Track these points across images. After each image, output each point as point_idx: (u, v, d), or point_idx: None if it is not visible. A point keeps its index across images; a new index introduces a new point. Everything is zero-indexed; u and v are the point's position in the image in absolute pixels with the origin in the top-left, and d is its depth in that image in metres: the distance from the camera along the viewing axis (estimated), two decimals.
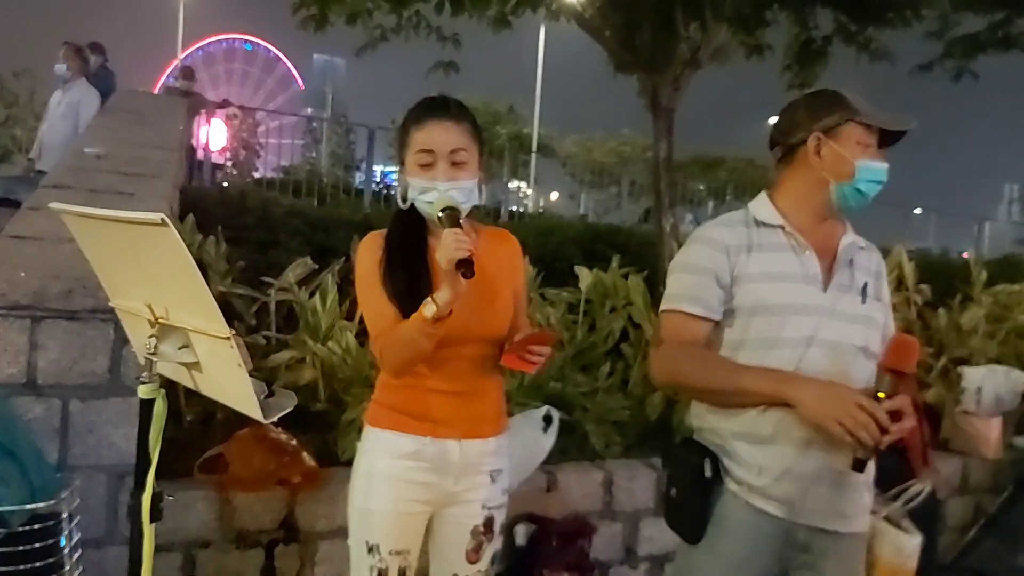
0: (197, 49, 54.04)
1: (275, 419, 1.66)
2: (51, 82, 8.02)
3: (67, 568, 2.07)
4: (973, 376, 4.62)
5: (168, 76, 30.57)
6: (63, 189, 3.49)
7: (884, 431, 1.68)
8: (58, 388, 2.48)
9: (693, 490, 1.97)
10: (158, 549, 1.74)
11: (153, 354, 1.65)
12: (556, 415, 3.28)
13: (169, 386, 1.74)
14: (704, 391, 1.98)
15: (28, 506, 1.96)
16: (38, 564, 1.98)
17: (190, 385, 1.78)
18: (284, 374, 3.36)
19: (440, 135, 1.88)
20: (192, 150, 9.55)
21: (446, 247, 1.73)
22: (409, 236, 1.97)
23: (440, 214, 1.82)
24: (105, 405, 2.53)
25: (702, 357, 1.94)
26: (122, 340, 2.50)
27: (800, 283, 1.92)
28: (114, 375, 2.53)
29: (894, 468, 3.71)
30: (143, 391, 1.68)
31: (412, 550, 2.02)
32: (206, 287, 1.49)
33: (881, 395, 1.73)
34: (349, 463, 3.10)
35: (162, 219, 1.40)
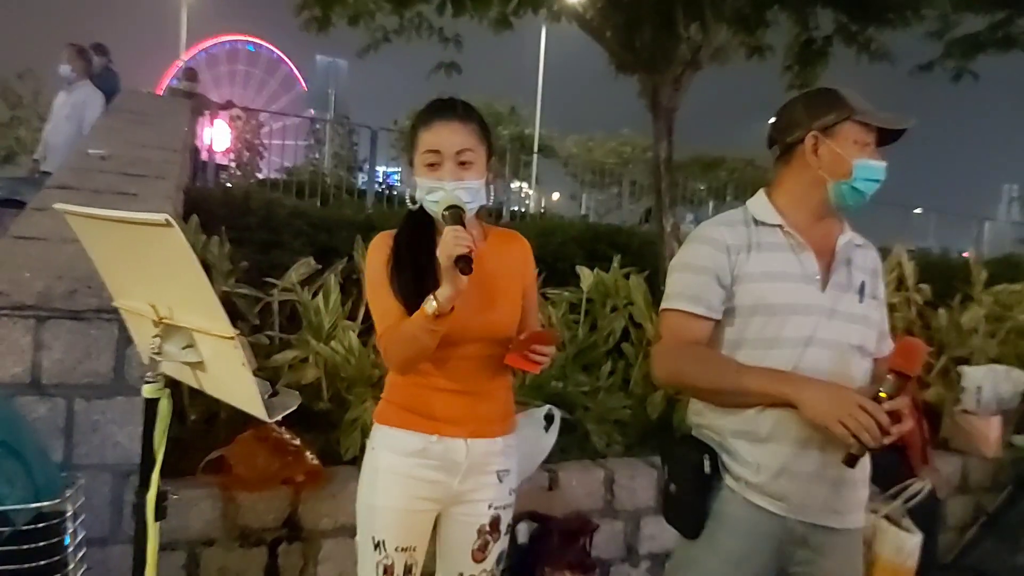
0: (200, 51, 54.05)
1: (279, 418, 1.68)
2: (55, 83, 8.04)
3: (71, 567, 2.08)
4: (973, 375, 4.63)
5: (171, 78, 30.55)
6: (67, 190, 3.50)
7: (885, 432, 1.70)
8: (62, 388, 2.50)
9: (692, 486, 1.99)
10: (162, 547, 1.76)
11: (157, 354, 1.66)
12: (558, 414, 3.29)
13: (173, 385, 1.76)
14: (707, 391, 1.98)
15: (32, 505, 1.97)
16: (42, 563, 1.98)
17: (194, 385, 1.79)
18: (287, 373, 3.38)
19: (447, 136, 1.90)
20: (196, 151, 9.57)
21: (445, 243, 1.75)
22: (417, 236, 1.98)
23: (444, 212, 1.84)
24: (109, 404, 2.54)
25: (705, 357, 1.95)
26: (126, 340, 2.52)
27: (799, 283, 1.93)
28: (118, 375, 2.55)
29: (894, 467, 3.72)
30: (148, 391, 1.69)
31: (418, 547, 2.03)
32: (210, 287, 1.50)
33: (883, 395, 1.74)
34: (352, 462, 3.16)
35: (167, 220, 1.42)
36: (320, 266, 3.87)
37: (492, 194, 2.05)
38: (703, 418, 2.04)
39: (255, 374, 1.58)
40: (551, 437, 3.24)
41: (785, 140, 2.01)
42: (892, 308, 4.93)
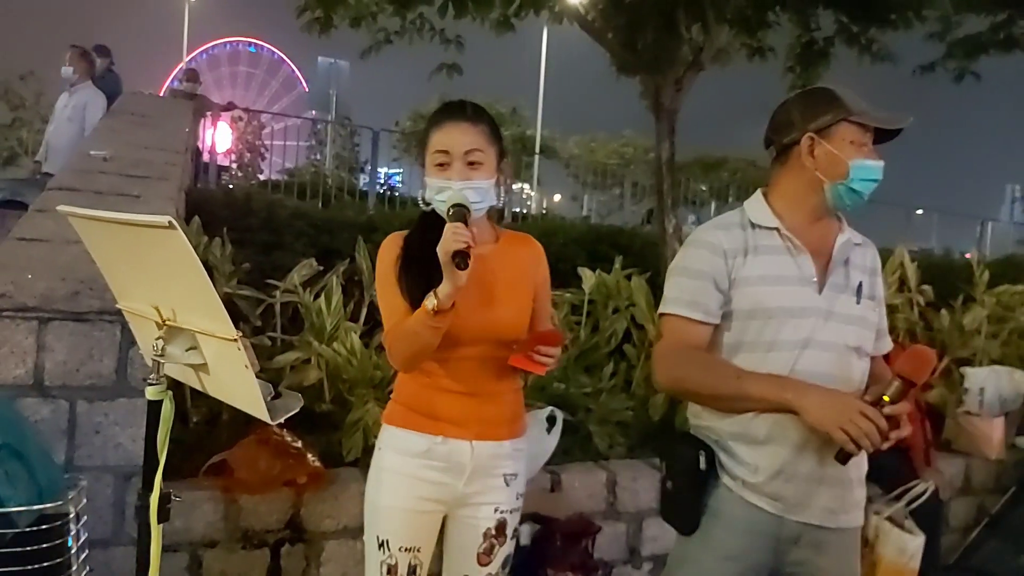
0: (201, 52, 54.15)
1: (281, 420, 1.68)
2: (57, 85, 8.06)
3: (74, 568, 2.08)
4: (976, 377, 4.63)
5: (173, 79, 30.60)
6: (69, 191, 3.50)
7: (884, 437, 1.71)
8: (65, 389, 2.50)
9: (688, 483, 2.00)
10: (164, 549, 1.75)
11: (161, 356, 1.66)
12: (560, 416, 3.29)
13: (175, 387, 1.76)
14: (708, 397, 1.99)
15: (35, 506, 1.97)
16: (45, 564, 1.98)
17: (197, 387, 1.79)
18: (289, 375, 3.38)
19: (457, 136, 1.93)
20: (198, 152, 9.58)
21: (444, 240, 1.77)
22: (427, 236, 1.99)
23: (448, 210, 1.85)
24: (112, 406, 2.54)
25: (705, 362, 1.96)
26: (129, 341, 2.52)
27: (796, 285, 1.93)
28: (121, 376, 2.55)
29: (897, 468, 3.71)
30: (151, 392, 1.69)
31: (423, 548, 2.04)
32: (213, 289, 1.51)
33: (886, 399, 1.74)
34: (354, 463, 3.16)
35: (169, 222, 1.42)
36: (322, 267, 3.88)
37: (503, 195, 2.07)
38: (701, 419, 2.04)
39: (257, 376, 1.58)
40: (553, 439, 3.24)
41: (781, 141, 2.01)
42: (894, 309, 4.92)
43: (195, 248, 1.51)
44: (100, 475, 2.53)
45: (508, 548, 2.10)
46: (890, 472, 3.69)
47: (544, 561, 3.17)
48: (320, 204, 9.63)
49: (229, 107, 13.04)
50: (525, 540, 3.21)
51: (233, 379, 1.62)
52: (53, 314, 2.46)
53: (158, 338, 1.66)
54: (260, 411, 1.61)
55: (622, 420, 3.88)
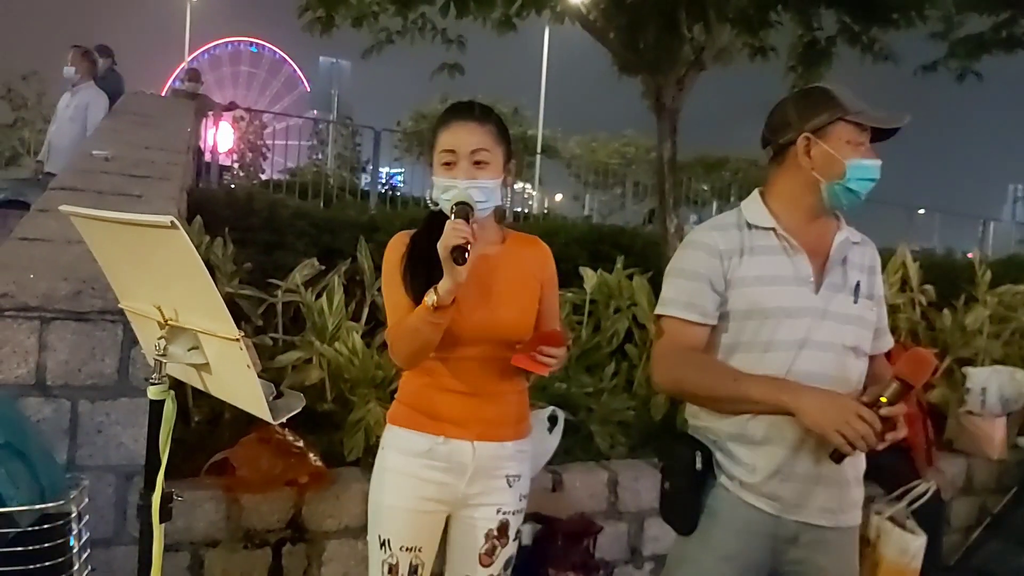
0: (203, 52, 54.21)
1: (283, 420, 1.68)
2: (59, 85, 8.06)
3: (76, 567, 2.08)
4: (978, 376, 4.62)
5: (175, 79, 30.64)
6: (71, 191, 3.50)
7: (880, 439, 1.72)
8: (67, 389, 2.50)
9: (685, 483, 2.01)
10: (166, 549, 1.76)
11: (163, 356, 1.67)
12: (561, 415, 3.29)
13: (177, 386, 1.76)
14: (705, 398, 1.99)
15: (37, 506, 1.97)
16: (47, 563, 1.98)
17: (199, 386, 1.79)
18: (291, 375, 3.38)
19: (463, 135, 1.94)
20: (199, 152, 9.58)
21: (444, 235, 1.78)
22: (434, 235, 2.00)
23: (452, 208, 1.86)
24: (114, 406, 2.54)
25: (703, 364, 1.96)
26: (131, 341, 2.52)
27: (792, 285, 1.93)
28: (122, 376, 2.55)
29: (899, 468, 3.71)
30: (153, 392, 1.69)
31: (425, 548, 2.04)
32: (215, 289, 1.51)
33: (883, 400, 1.75)
34: (356, 463, 3.16)
35: (172, 222, 1.42)
36: (324, 267, 3.88)
37: (509, 195, 2.08)
38: (699, 420, 2.05)
39: (259, 376, 1.58)
40: (555, 439, 3.24)
41: (778, 141, 2.01)
42: (896, 309, 4.92)
43: (197, 248, 1.51)
44: (102, 474, 2.53)
45: (511, 549, 2.10)
46: (892, 472, 3.69)
47: (545, 561, 3.17)
48: (322, 204, 9.64)
49: (231, 107, 13.04)
50: (526, 540, 3.21)
51: (235, 379, 1.62)
52: (55, 314, 2.47)
53: (160, 338, 1.66)
54: (262, 411, 1.62)
55: (623, 420, 3.88)
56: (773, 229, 1.97)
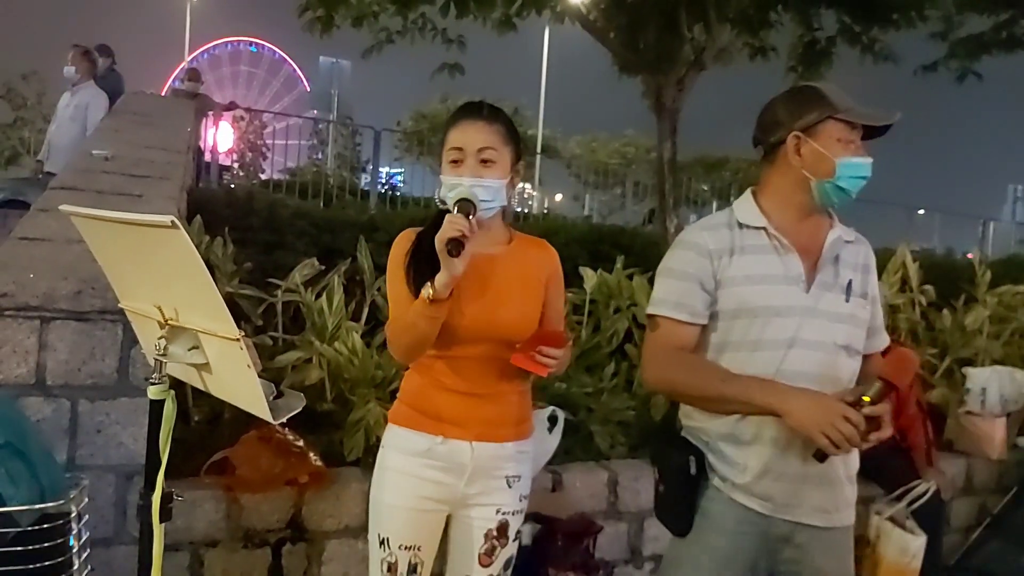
0: (203, 52, 54.24)
1: (283, 419, 1.68)
2: (59, 84, 8.05)
3: (76, 567, 2.08)
4: (977, 377, 4.62)
5: (175, 79, 30.65)
6: (71, 191, 3.50)
7: (865, 439, 1.73)
8: (67, 388, 2.50)
9: (679, 486, 2.02)
10: (166, 548, 1.76)
11: (163, 355, 1.67)
12: (561, 415, 3.29)
13: (177, 386, 1.76)
14: (694, 398, 2.01)
15: (37, 506, 1.97)
16: (47, 563, 1.98)
17: (200, 386, 1.79)
18: (291, 374, 3.38)
19: (471, 134, 1.96)
20: (199, 152, 9.58)
21: (441, 229, 1.79)
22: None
23: (455, 205, 1.87)
24: (114, 405, 2.54)
25: (692, 364, 1.97)
26: (131, 341, 2.52)
27: (782, 284, 1.93)
28: (122, 376, 2.55)
29: (899, 469, 3.72)
30: (153, 392, 1.69)
31: (424, 547, 2.04)
32: (215, 289, 1.51)
33: (866, 399, 1.76)
34: (356, 463, 3.16)
35: (172, 222, 1.42)
36: (323, 267, 3.88)
37: (514, 196, 2.09)
38: (692, 420, 2.06)
39: (260, 375, 1.58)
40: (555, 438, 3.24)
41: (768, 140, 2.02)
42: (896, 309, 4.92)
43: (197, 247, 1.51)
44: (102, 474, 2.53)
45: (511, 549, 2.10)
46: (892, 472, 3.69)
47: (545, 561, 3.17)
48: (322, 204, 9.64)
49: (231, 107, 13.03)
50: (526, 540, 3.21)
51: (235, 378, 1.63)
52: (55, 313, 2.47)
53: (160, 337, 1.66)
54: (262, 410, 1.62)
55: (623, 420, 3.88)
56: (764, 228, 1.97)
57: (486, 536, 2.06)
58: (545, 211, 18.02)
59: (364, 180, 18.93)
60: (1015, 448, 4.69)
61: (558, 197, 26.93)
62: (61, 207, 1.77)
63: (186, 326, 1.65)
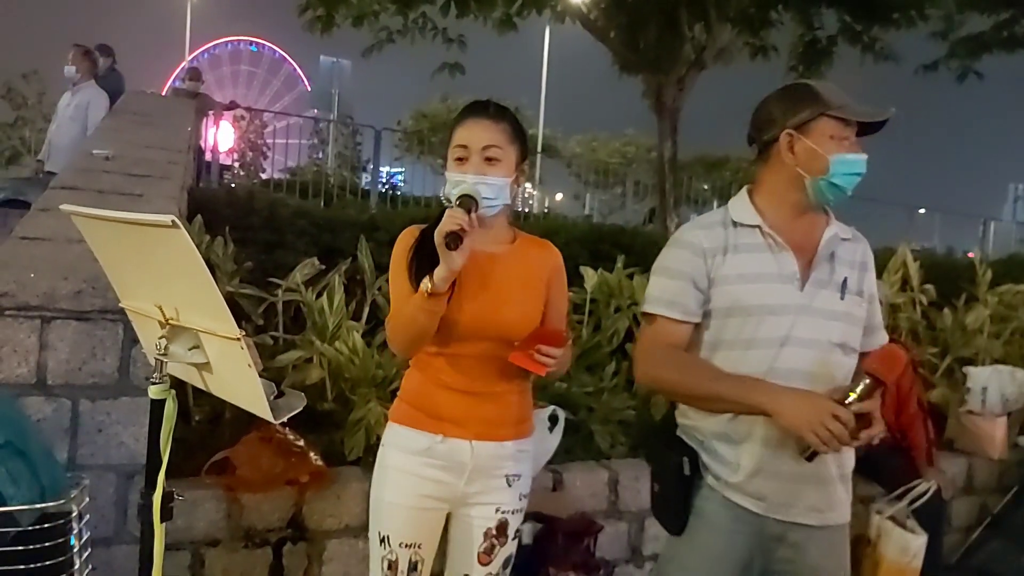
0: (203, 51, 54.25)
1: (284, 419, 1.68)
2: (60, 84, 8.05)
3: (77, 567, 2.08)
4: (978, 376, 4.62)
5: (175, 78, 30.66)
6: (72, 190, 3.50)
7: (855, 437, 1.74)
8: (68, 388, 2.50)
9: (673, 485, 2.03)
10: (167, 548, 1.76)
11: (164, 355, 1.67)
12: (562, 415, 3.29)
13: (178, 385, 1.76)
14: (685, 396, 2.02)
15: (38, 505, 1.97)
16: (48, 563, 1.98)
17: (200, 386, 1.79)
18: (291, 374, 3.38)
19: (477, 132, 1.97)
20: (200, 151, 9.57)
21: (441, 223, 1.81)
22: None
23: (457, 201, 1.88)
24: (114, 405, 2.54)
25: (683, 363, 1.98)
26: (131, 340, 2.52)
27: (775, 283, 1.93)
28: (123, 375, 2.55)
29: (899, 468, 3.72)
30: (154, 391, 1.69)
31: (424, 545, 2.04)
32: (216, 288, 1.51)
33: (852, 394, 1.77)
34: (356, 462, 3.16)
35: (173, 221, 1.42)
36: (324, 266, 3.88)
37: (518, 195, 2.09)
38: (687, 418, 2.06)
39: (260, 375, 1.58)
40: (555, 438, 3.24)
41: (762, 138, 2.02)
42: (897, 308, 4.92)
43: (197, 247, 1.51)
44: (103, 474, 2.53)
45: (510, 548, 2.11)
46: (892, 472, 3.69)
47: (546, 560, 3.17)
48: (322, 203, 9.64)
49: (231, 106, 13.04)
50: (527, 539, 3.21)
51: (236, 378, 1.63)
52: (56, 313, 2.47)
53: (161, 337, 1.66)
54: (263, 410, 1.62)
55: (624, 419, 3.88)
56: (758, 227, 1.97)
57: (485, 535, 2.06)
58: (546, 210, 18.03)
59: (365, 179, 18.92)
60: (1016, 447, 4.69)
61: (558, 196, 26.95)
62: (62, 207, 1.77)
63: (187, 325, 1.65)
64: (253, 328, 3.64)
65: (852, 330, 1.99)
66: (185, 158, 5.35)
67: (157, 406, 1.71)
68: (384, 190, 13.50)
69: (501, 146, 1.97)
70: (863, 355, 2.03)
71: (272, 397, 1.64)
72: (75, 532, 2.07)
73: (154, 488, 1.70)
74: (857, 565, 3.49)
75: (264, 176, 18.60)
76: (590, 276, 4.37)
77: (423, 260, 1.94)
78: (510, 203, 2.05)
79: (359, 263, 4.02)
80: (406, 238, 2.05)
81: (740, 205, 2.03)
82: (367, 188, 13.19)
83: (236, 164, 18.78)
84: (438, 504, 2.04)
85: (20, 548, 1.93)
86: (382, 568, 2.04)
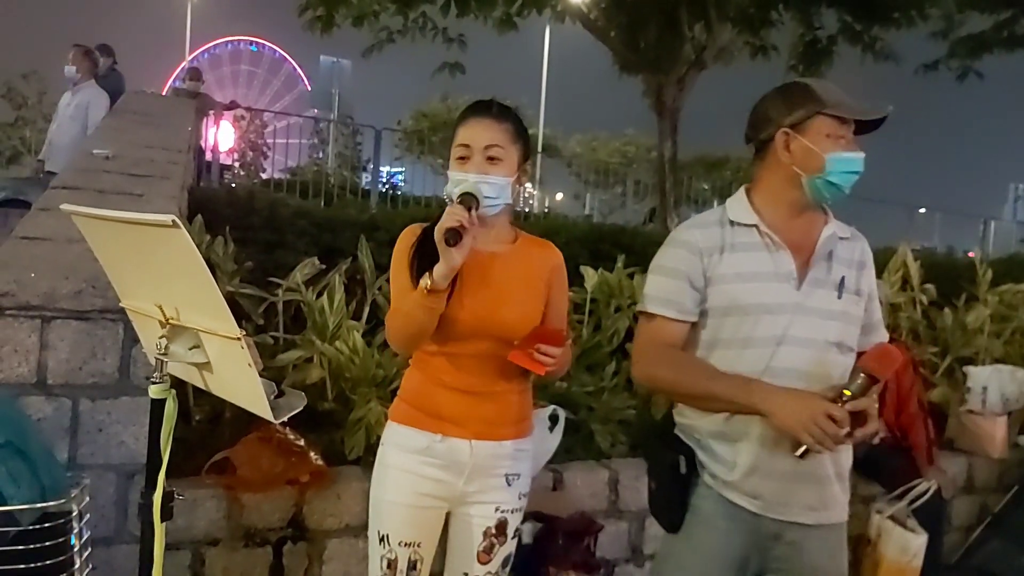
0: (204, 51, 54.26)
1: (284, 419, 1.68)
2: (60, 84, 8.05)
3: (77, 566, 2.08)
4: (978, 375, 4.62)
5: (175, 78, 30.66)
6: (72, 190, 3.50)
7: (850, 436, 1.74)
8: (68, 388, 2.50)
9: (669, 484, 2.03)
10: (167, 547, 1.76)
11: (164, 354, 1.67)
12: (562, 414, 3.28)
13: (178, 385, 1.76)
14: (681, 395, 2.02)
15: (38, 505, 1.97)
16: (48, 562, 1.99)
17: (201, 385, 1.80)
18: (292, 373, 3.38)
19: (479, 131, 1.98)
20: (200, 151, 9.58)
21: (441, 219, 1.81)
22: None
23: (458, 199, 1.89)
24: (115, 405, 2.54)
25: (679, 362, 1.98)
26: (132, 340, 2.52)
27: (772, 282, 1.93)
28: (123, 375, 2.55)
29: (900, 467, 3.72)
30: (154, 391, 1.70)
31: (424, 544, 2.05)
32: (216, 288, 1.51)
33: (847, 393, 1.76)
34: (356, 462, 3.16)
35: (173, 221, 1.42)
36: (324, 266, 3.88)
37: (519, 194, 2.10)
38: (684, 417, 2.07)
39: (261, 375, 1.58)
40: (556, 437, 3.24)
41: (759, 137, 2.02)
42: (897, 308, 4.92)
43: (198, 247, 1.51)
44: (103, 473, 2.53)
45: (509, 547, 2.11)
46: (892, 471, 3.69)
47: (546, 559, 3.17)
48: (322, 203, 9.64)
49: (231, 106, 13.05)
50: (527, 538, 3.21)
51: (236, 377, 1.63)
52: (56, 312, 2.47)
53: (161, 337, 1.67)
54: (263, 409, 1.62)
55: (624, 419, 3.88)
56: (755, 226, 1.97)
57: (485, 534, 2.07)
58: (546, 210, 18.03)
59: (365, 179, 18.94)
60: (1016, 447, 4.69)
61: (559, 196, 26.95)
62: (62, 206, 1.77)
63: (187, 325, 1.65)
64: (253, 328, 3.64)
65: (849, 329, 1.99)
66: (185, 158, 5.35)
67: (157, 406, 1.71)
68: (384, 190, 13.50)
69: (503, 146, 1.97)
70: (859, 353, 2.03)
71: (272, 397, 1.64)
72: (75, 532, 2.07)
73: (154, 488, 1.70)
74: (857, 564, 3.49)
75: (264, 176, 18.60)
76: (590, 276, 4.37)
77: (424, 258, 1.94)
78: (511, 203, 2.05)
79: (359, 263, 4.02)
80: (408, 236, 2.05)
81: (737, 204, 2.03)
82: (367, 188, 13.19)
83: (236, 164, 18.78)
84: (437, 503, 2.05)
85: (20, 547, 1.93)
86: (382, 567, 2.04)
